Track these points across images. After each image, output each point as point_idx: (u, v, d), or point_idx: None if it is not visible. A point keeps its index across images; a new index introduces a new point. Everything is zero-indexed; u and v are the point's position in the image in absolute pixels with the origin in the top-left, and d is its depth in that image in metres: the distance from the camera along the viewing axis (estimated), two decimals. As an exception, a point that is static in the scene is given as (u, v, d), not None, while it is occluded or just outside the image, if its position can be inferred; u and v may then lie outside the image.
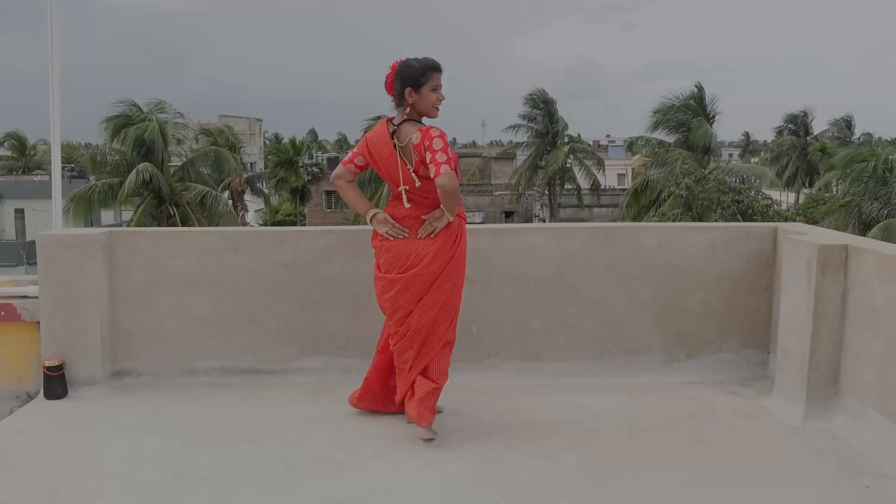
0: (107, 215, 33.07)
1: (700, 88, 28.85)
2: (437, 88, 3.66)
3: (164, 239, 4.67)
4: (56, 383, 4.42)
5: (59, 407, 4.32)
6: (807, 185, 49.77)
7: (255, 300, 4.67)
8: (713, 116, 28.31)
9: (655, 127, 28.55)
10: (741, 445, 3.76)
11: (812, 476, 3.42)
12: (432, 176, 3.51)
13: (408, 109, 3.64)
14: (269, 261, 4.66)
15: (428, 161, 3.51)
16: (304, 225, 45.13)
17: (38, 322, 4.56)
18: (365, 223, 3.92)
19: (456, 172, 3.54)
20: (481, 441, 3.79)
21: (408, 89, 3.62)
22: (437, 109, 3.70)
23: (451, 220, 3.66)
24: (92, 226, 32.10)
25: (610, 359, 4.76)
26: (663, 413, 4.18)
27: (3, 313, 4.55)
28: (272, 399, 4.41)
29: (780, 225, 4.79)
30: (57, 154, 4.95)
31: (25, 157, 61.85)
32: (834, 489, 3.30)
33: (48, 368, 4.40)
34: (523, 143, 42.47)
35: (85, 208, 26.56)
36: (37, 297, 4.54)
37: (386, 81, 3.69)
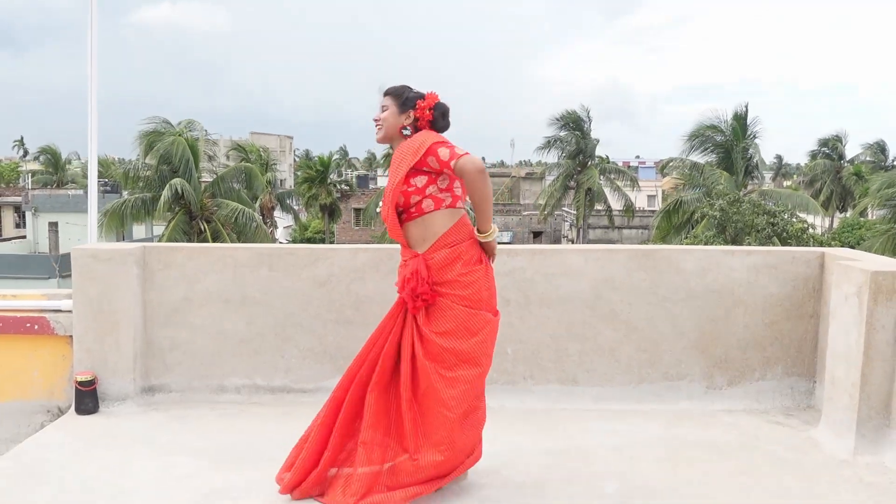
0: (138, 230, 33.48)
1: (746, 108, 28.39)
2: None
3: (199, 254, 4.64)
4: (87, 398, 4.39)
5: (90, 422, 4.28)
6: (840, 209, 49.06)
7: (288, 318, 4.62)
8: (754, 137, 27.88)
9: (694, 148, 28.13)
10: (788, 478, 3.61)
11: (865, 512, 3.27)
12: None
13: (409, 131, 3.35)
14: (303, 278, 4.61)
15: None
16: (333, 242, 45.34)
17: (71, 336, 4.54)
18: (392, 242, 3.81)
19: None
20: (518, 467, 3.68)
21: (410, 111, 3.32)
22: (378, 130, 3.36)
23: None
24: (124, 240, 32.58)
25: (649, 384, 4.64)
26: (706, 442, 4.05)
27: (36, 327, 4.54)
28: (304, 419, 4.31)
29: (828, 250, 4.65)
30: (93, 169, 4.96)
31: (59, 172, 62.87)
32: (889, 527, 3.15)
33: (80, 383, 4.37)
34: (554, 163, 42.30)
35: (117, 223, 26.85)
36: (70, 311, 4.53)
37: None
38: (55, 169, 62.56)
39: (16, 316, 4.53)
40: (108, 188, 34.10)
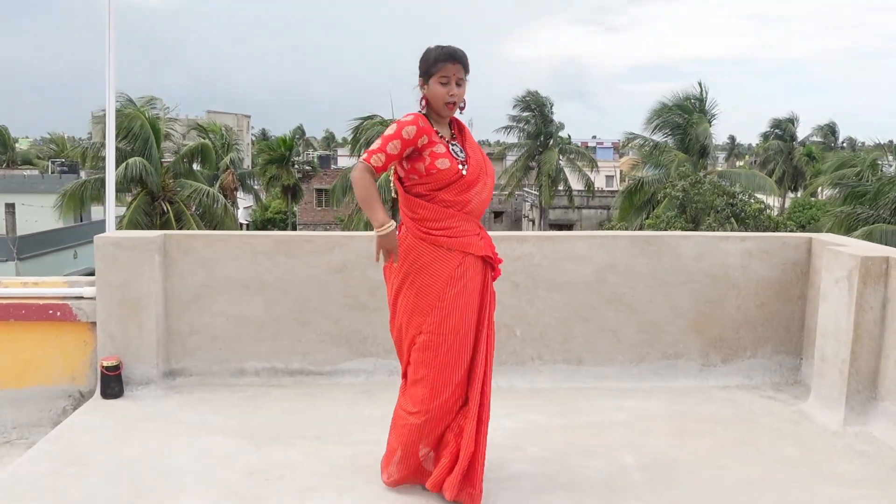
0: (97, 211, 32.95)
1: (703, 87, 28.79)
2: (447, 82, 3.13)
3: (217, 242, 4.76)
4: (113, 382, 4.51)
5: (117, 406, 4.41)
6: (792, 189, 50.37)
7: (305, 303, 4.78)
8: (711, 118, 28.42)
9: (655, 128, 28.54)
10: (787, 447, 3.92)
11: (861, 477, 3.59)
12: None
13: (423, 102, 3.23)
14: (319, 264, 4.77)
15: None
16: (295, 223, 45.08)
17: (93, 322, 4.64)
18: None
19: (384, 156, 3.09)
20: (540, 442, 3.92)
21: (420, 80, 3.21)
22: (451, 108, 3.18)
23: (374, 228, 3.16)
24: (83, 220, 32.01)
25: (649, 363, 4.92)
26: (707, 416, 4.34)
27: (59, 314, 4.63)
28: (326, 399, 4.52)
29: (815, 236, 4.96)
30: (111, 157, 5.04)
31: (9, 151, 61.30)
32: (884, 490, 3.47)
33: (106, 368, 4.49)
34: (515, 144, 42.63)
35: (76, 204, 26.38)
36: (92, 298, 4.62)
37: None
38: (4, 148, 61.00)
39: (38, 303, 4.62)
40: (65, 168, 33.46)
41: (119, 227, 25.73)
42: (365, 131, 30.33)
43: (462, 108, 3.26)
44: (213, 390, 4.65)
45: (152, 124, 25.37)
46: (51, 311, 4.63)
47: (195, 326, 4.76)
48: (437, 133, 3.20)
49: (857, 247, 4.49)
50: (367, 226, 19.98)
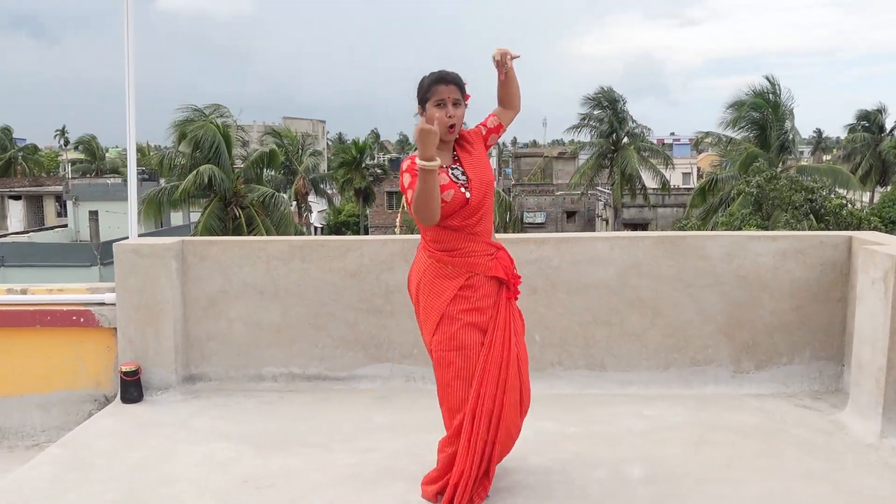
0: (176, 217, 34.06)
1: (772, 82, 27.80)
2: (443, 104, 3.06)
3: (233, 248, 4.79)
4: (132, 388, 4.58)
5: (134, 410, 4.47)
6: (881, 183, 48.09)
7: (321, 308, 4.75)
8: (789, 112, 27.33)
9: (732, 124, 27.65)
10: (813, 461, 3.66)
11: (889, 494, 3.32)
12: None
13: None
14: (334, 269, 4.73)
15: None
16: (367, 226, 45.61)
17: (115, 328, 4.73)
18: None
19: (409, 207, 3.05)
20: (546, 452, 3.78)
21: (418, 107, 3.15)
22: (451, 131, 3.09)
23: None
24: (162, 227, 33.11)
25: (676, 369, 4.70)
26: (731, 425, 4.11)
27: (82, 319, 4.73)
28: (340, 405, 4.48)
29: (855, 234, 4.65)
30: (133, 163, 5.13)
31: (98, 161, 64.05)
32: (912, 510, 3.20)
33: (125, 373, 4.56)
34: (587, 142, 42.00)
35: (155, 210, 27.30)
36: (114, 305, 4.71)
37: None
38: (94, 157, 63.76)
39: (62, 309, 4.73)
40: (146, 176, 34.68)
41: (194, 232, 26.53)
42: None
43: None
44: (230, 396, 4.67)
45: (222, 132, 25.99)
46: (74, 317, 4.73)
47: (213, 332, 4.79)
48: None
49: (895, 245, 4.18)
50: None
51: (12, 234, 35.98)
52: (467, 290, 3.11)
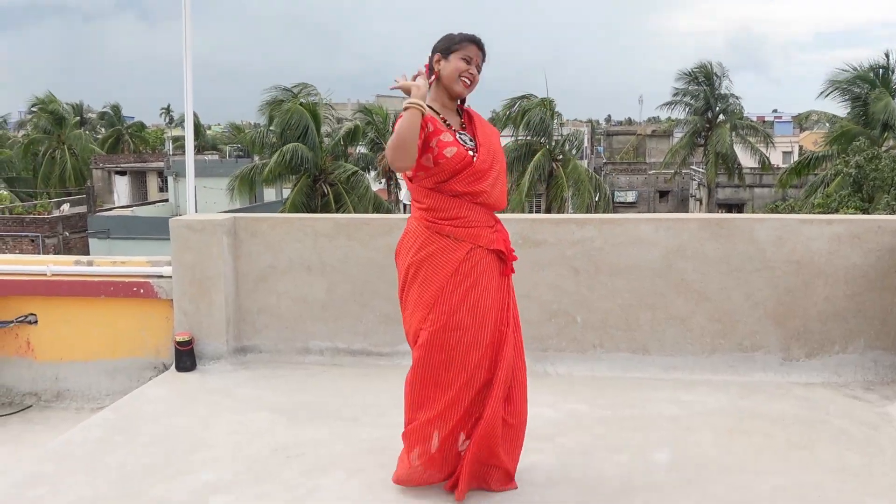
0: (269, 193, 35.04)
1: (888, 56, 26.34)
2: (469, 61, 3.06)
3: (281, 225, 4.93)
4: (186, 357, 4.80)
5: (187, 379, 4.69)
6: None
7: (366, 284, 4.85)
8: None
9: (830, 101, 26.40)
10: (850, 454, 3.53)
11: (924, 493, 3.18)
12: None
13: (432, 78, 3.10)
14: (379, 246, 4.81)
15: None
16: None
17: (172, 300, 4.96)
18: None
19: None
20: (574, 434, 3.78)
21: (437, 55, 3.09)
22: (465, 85, 3.08)
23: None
24: (256, 202, 34.15)
25: (721, 355, 4.59)
26: (770, 414, 4.00)
27: (142, 291, 4.98)
28: (380, 381, 4.57)
29: (917, 218, 4.42)
30: (190, 144, 5.34)
31: (199, 138, 66.35)
32: (947, 509, 3.05)
33: (179, 343, 4.79)
34: (682, 120, 40.78)
35: (248, 187, 28.24)
36: (170, 277, 4.94)
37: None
38: (196, 134, 66.12)
39: (124, 281, 4.99)
40: (241, 153, 35.77)
41: (283, 209, 27.26)
42: (524, 111, 30.18)
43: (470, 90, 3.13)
44: (277, 368, 4.84)
45: (310, 109, 26.51)
46: (135, 289, 4.98)
47: (263, 306, 4.96)
48: (445, 121, 3.10)
49: (954, 231, 3.96)
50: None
51: (118, 207, 37.80)
52: (469, 264, 3.01)
